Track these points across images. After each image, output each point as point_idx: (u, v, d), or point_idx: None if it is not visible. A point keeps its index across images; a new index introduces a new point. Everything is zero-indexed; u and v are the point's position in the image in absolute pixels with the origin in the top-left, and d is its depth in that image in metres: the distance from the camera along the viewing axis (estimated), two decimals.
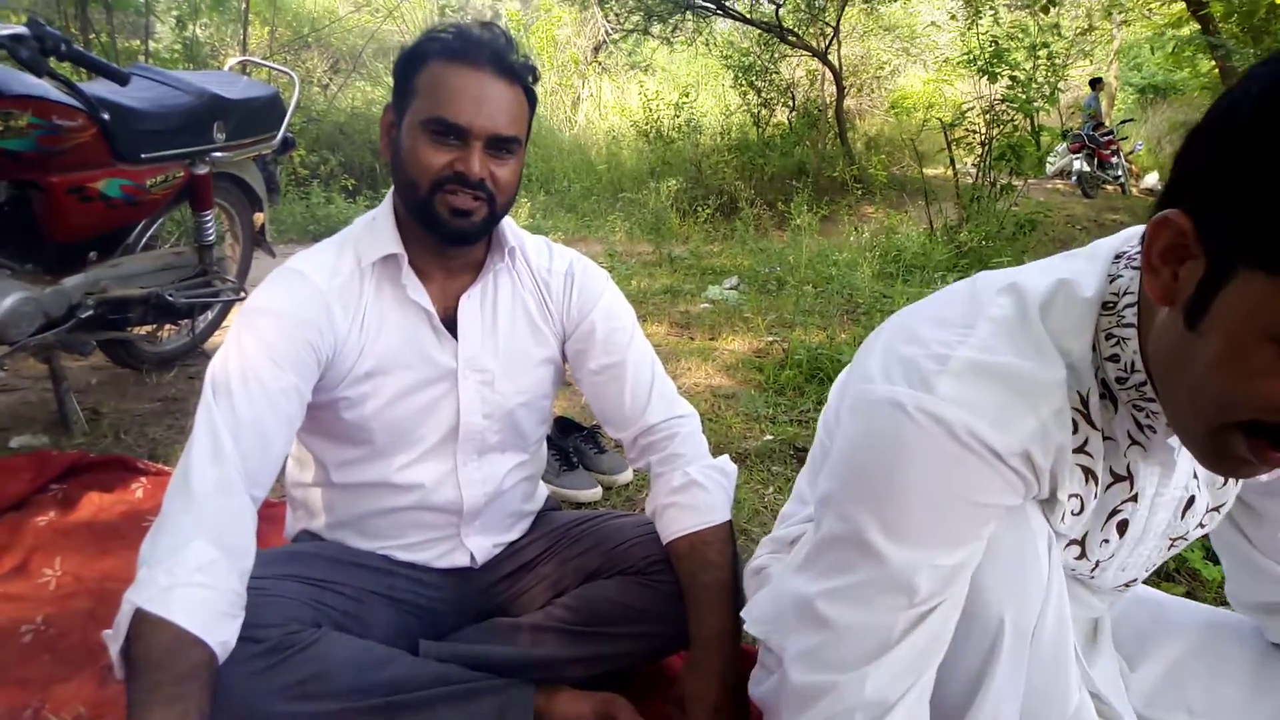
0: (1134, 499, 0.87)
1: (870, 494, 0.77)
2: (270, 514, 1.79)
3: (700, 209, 7.02)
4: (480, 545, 1.40)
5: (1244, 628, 1.09)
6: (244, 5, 7.45)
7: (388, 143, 1.27)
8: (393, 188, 1.28)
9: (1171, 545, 0.95)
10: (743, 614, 1.09)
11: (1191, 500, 0.91)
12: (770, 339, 3.70)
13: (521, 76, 1.23)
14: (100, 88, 2.28)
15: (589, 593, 1.37)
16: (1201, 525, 0.94)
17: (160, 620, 1.00)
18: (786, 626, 0.87)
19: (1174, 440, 0.81)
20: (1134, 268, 0.76)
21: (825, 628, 0.81)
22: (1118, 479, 0.85)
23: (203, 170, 2.60)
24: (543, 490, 1.57)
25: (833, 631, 0.80)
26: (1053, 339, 0.76)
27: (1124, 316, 0.75)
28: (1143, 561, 0.94)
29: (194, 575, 1.03)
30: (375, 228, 1.29)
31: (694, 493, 1.34)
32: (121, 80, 2.23)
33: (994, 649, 0.79)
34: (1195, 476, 0.90)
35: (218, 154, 2.62)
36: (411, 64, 1.22)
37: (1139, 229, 0.82)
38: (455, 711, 1.21)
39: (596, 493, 2.20)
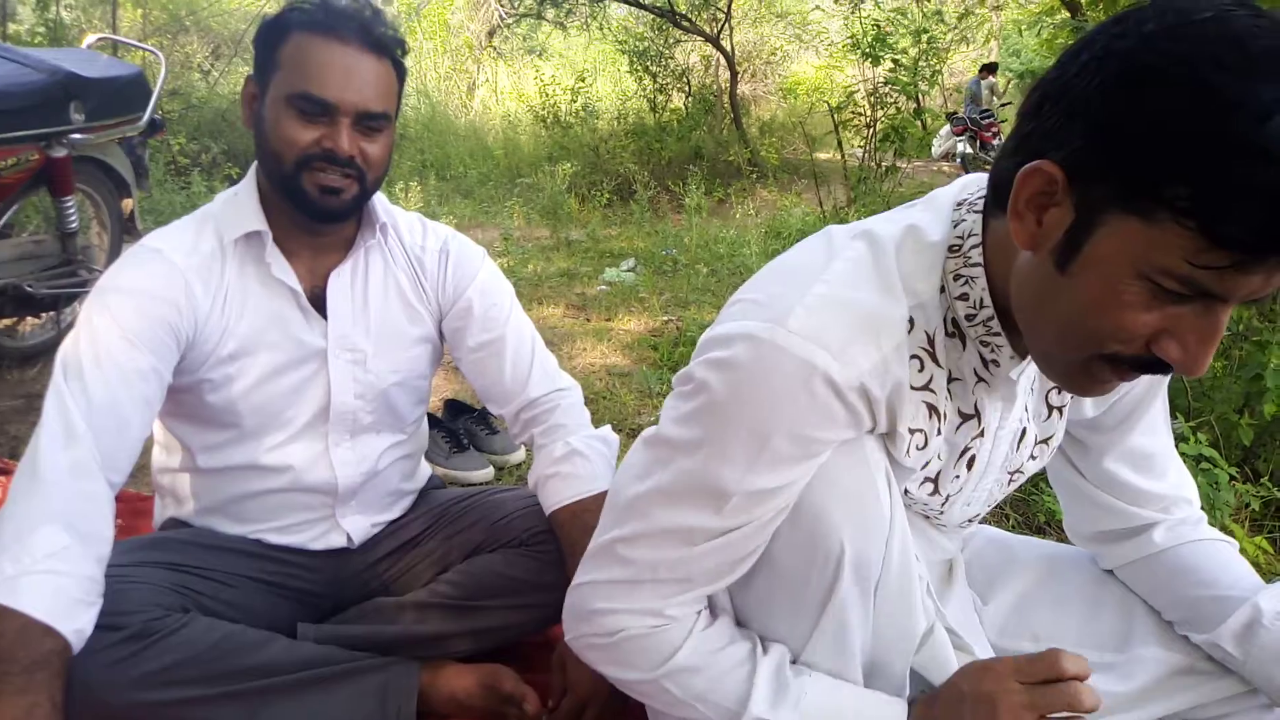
0: (981, 434, 0.92)
1: (708, 413, 0.80)
2: (144, 508, 1.72)
3: (598, 194, 7.02)
4: (357, 525, 1.38)
5: (1081, 558, 1.18)
6: None
7: (249, 114, 1.23)
8: (256, 162, 1.24)
9: (1010, 480, 1.01)
10: None
11: (1024, 433, 0.98)
12: (665, 318, 3.74)
13: (390, 49, 1.21)
14: None
15: (473, 567, 1.37)
16: (1033, 458, 1.01)
17: (6, 609, 0.96)
18: (609, 514, 0.91)
19: (1014, 373, 0.86)
20: (975, 212, 0.82)
21: (640, 519, 0.85)
22: (966, 418, 0.90)
23: (60, 153, 2.46)
24: (424, 469, 1.56)
25: (646, 524, 0.84)
26: (903, 281, 0.81)
27: (970, 257, 0.81)
28: (985, 496, 0.99)
29: (43, 562, 0.99)
30: (237, 204, 1.25)
31: (575, 462, 1.35)
32: None
33: (836, 576, 0.82)
34: (1026, 410, 0.96)
35: (76, 136, 2.50)
36: (274, 34, 1.18)
37: (973, 177, 0.89)
38: (335, 692, 1.20)
39: (488, 473, 2.20)
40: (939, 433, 0.88)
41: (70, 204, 2.58)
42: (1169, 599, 1.07)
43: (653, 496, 0.84)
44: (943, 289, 0.83)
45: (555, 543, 1.35)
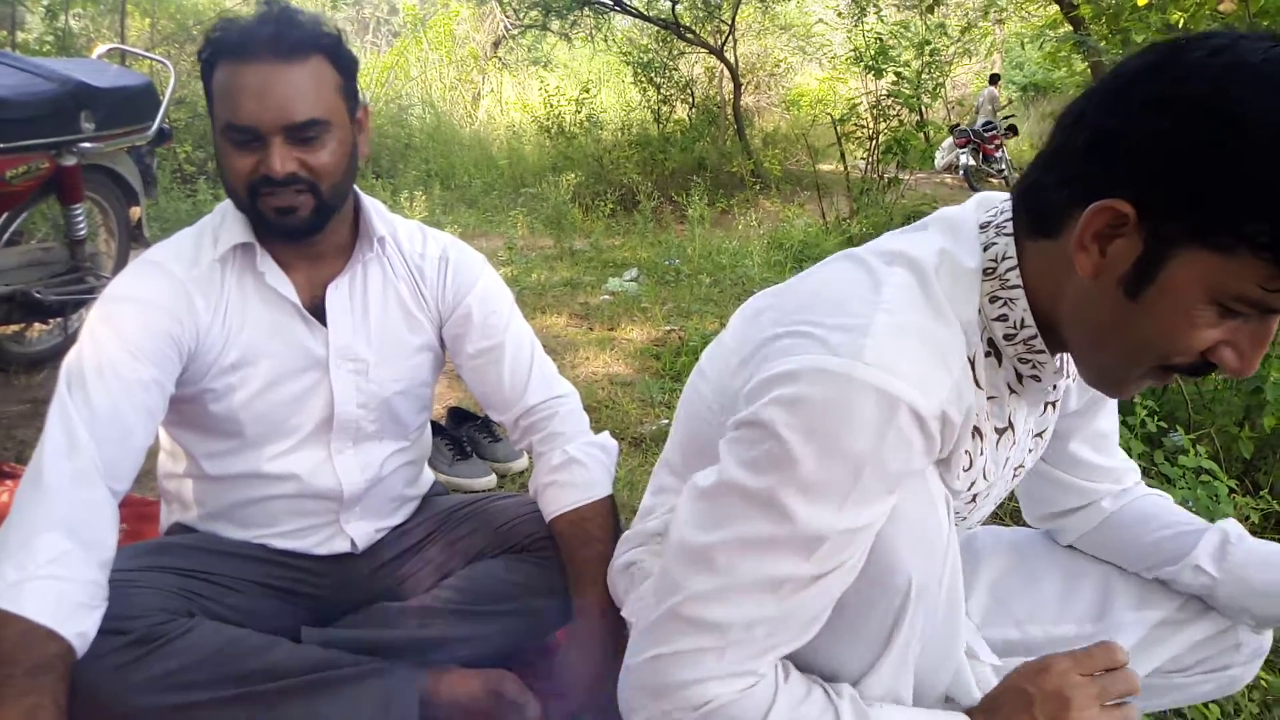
0: (1015, 443, 0.96)
1: (787, 456, 0.76)
2: (150, 513, 1.74)
3: (601, 204, 7.04)
4: (361, 530, 1.39)
5: (1042, 539, 1.24)
6: None
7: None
8: None
9: (1014, 476, 1.04)
10: (625, 612, 1.11)
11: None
12: (668, 328, 3.75)
13: (314, 48, 1.17)
14: None
15: (475, 572, 1.38)
16: (1031, 450, 1.04)
17: (9, 615, 0.97)
18: (672, 575, 0.83)
19: (1059, 385, 0.91)
20: (1005, 235, 0.84)
21: (719, 574, 0.79)
22: (1001, 431, 0.94)
23: (70, 162, 2.48)
24: (427, 475, 1.57)
25: (728, 579, 0.79)
26: (950, 306, 0.83)
27: (1008, 280, 0.84)
28: (998, 494, 1.02)
29: (46, 568, 1.00)
30: (230, 215, 1.26)
31: (573, 470, 1.37)
32: None
33: (903, 607, 0.82)
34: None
35: (86, 144, 2.51)
36: (207, 68, 1.18)
37: (987, 197, 0.92)
38: (339, 696, 1.20)
39: (491, 480, 2.21)
40: (981, 453, 0.91)
41: (79, 212, 2.60)
42: (1135, 551, 1.14)
43: (730, 549, 0.79)
44: (979, 311, 0.86)
45: (557, 549, 1.36)
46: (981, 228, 0.87)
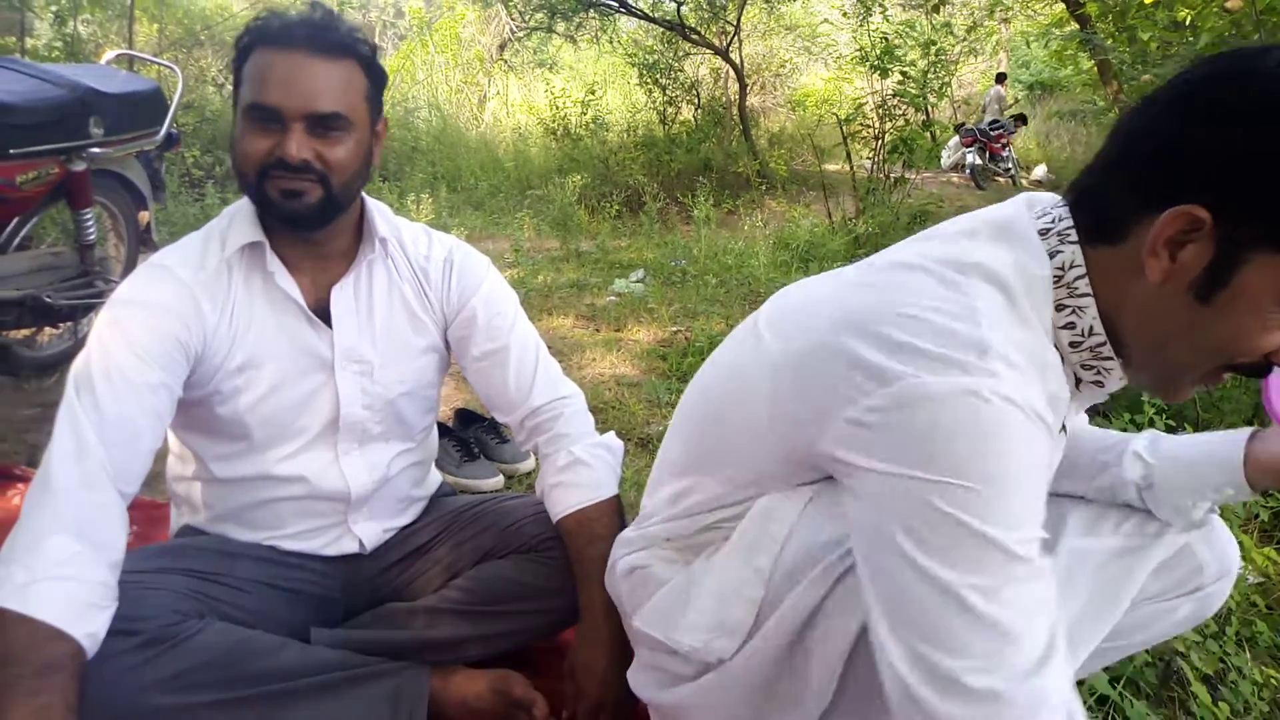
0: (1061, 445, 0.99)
1: (972, 493, 0.74)
2: (160, 516, 1.75)
3: (607, 205, 7.05)
4: (369, 531, 1.40)
5: None
6: (129, 1, 7.14)
7: None
8: None
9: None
10: (637, 621, 1.10)
11: None
12: (674, 329, 3.75)
13: (348, 50, 1.20)
14: None
15: (483, 573, 1.38)
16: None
17: (19, 616, 0.98)
18: (911, 613, 0.77)
19: (1116, 389, 0.93)
20: (1070, 243, 0.85)
21: (985, 626, 0.74)
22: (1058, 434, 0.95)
23: (79, 167, 2.49)
24: (435, 476, 1.58)
25: (996, 632, 0.73)
26: (1034, 316, 0.84)
27: (1076, 288, 0.85)
28: None
29: (55, 569, 1.01)
30: (238, 218, 1.27)
31: (579, 470, 1.37)
32: None
33: None
34: None
35: (95, 149, 2.53)
36: (240, 54, 1.20)
37: (1034, 198, 0.92)
38: (348, 697, 1.21)
39: (498, 481, 2.21)
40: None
41: (89, 216, 2.62)
42: (1074, 475, 1.16)
43: (972, 590, 0.74)
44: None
45: (564, 549, 1.36)
46: (1042, 234, 0.87)
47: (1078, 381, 0.92)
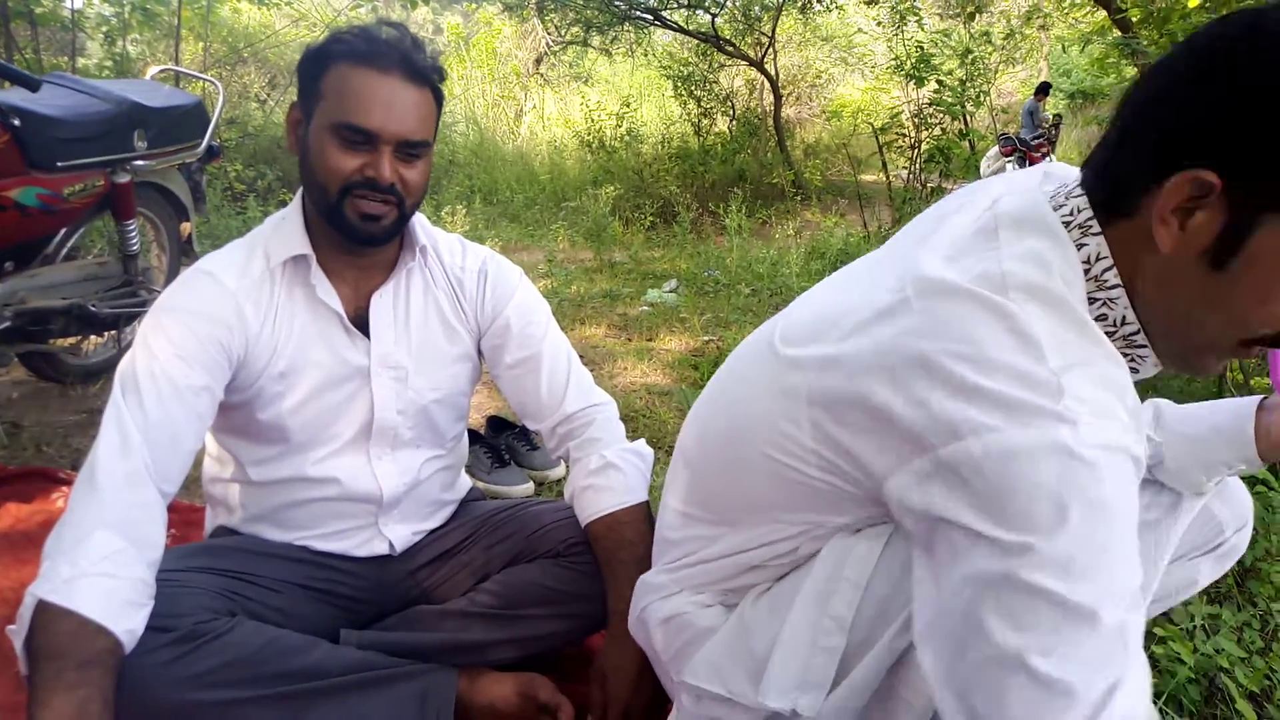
0: None
1: (1067, 557, 0.69)
2: (196, 519, 1.78)
3: (641, 216, 7.07)
4: (399, 533, 1.41)
5: None
6: (176, 20, 7.33)
7: (294, 140, 1.27)
8: (302, 188, 1.28)
9: None
10: (686, 675, 1.03)
11: None
12: (706, 338, 3.75)
13: (429, 78, 1.24)
14: (12, 95, 2.24)
15: (511, 577, 1.39)
16: None
17: (63, 610, 1.00)
18: (978, 685, 0.73)
19: (1149, 374, 0.91)
20: (1093, 234, 0.81)
21: (1049, 690, 0.70)
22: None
23: (124, 179, 2.56)
24: (465, 480, 1.59)
25: (1062, 695, 0.69)
26: (1090, 321, 0.80)
27: (1106, 280, 0.82)
28: None
29: (97, 565, 1.03)
30: (284, 228, 1.29)
31: (610, 475, 1.37)
32: (32, 86, 2.20)
33: None
34: None
35: (139, 162, 2.59)
36: (318, 64, 1.21)
37: (1051, 171, 0.90)
38: (375, 697, 1.22)
39: (528, 488, 2.22)
40: None
41: (132, 227, 2.67)
42: None
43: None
44: None
45: (591, 554, 1.37)
46: (1064, 226, 0.83)
47: None
